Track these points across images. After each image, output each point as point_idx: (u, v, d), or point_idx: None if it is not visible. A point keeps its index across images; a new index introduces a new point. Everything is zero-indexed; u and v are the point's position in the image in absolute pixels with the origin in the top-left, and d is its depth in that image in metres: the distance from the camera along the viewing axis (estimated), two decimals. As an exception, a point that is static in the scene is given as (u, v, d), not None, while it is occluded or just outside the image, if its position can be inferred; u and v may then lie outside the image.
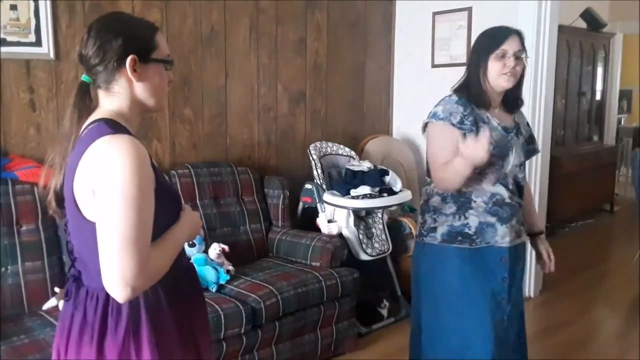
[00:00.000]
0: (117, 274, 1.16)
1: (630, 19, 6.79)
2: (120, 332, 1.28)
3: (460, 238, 2.08)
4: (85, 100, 1.37)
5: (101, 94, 1.37)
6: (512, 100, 2.13)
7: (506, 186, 2.08)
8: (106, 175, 1.19)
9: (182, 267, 1.43)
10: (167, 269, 1.29)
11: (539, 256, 2.33)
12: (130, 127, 1.35)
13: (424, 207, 2.19)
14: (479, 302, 2.07)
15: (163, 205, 1.28)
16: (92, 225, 1.23)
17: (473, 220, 2.07)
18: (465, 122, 2.01)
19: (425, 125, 2.12)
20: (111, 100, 1.36)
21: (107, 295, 1.25)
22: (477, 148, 1.84)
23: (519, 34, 2.05)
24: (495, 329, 2.07)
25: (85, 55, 1.34)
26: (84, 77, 1.37)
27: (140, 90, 1.36)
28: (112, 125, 1.28)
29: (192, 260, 2.85)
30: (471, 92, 2.06)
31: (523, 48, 2.04)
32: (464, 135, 1.98)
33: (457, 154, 1.95)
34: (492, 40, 2.04)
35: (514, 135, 2.12)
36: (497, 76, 2.01)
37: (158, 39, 1.38)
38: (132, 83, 1.34)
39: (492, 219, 2.06)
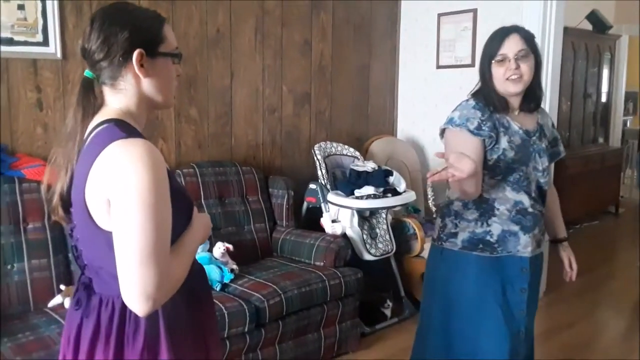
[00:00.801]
0: (138, 288, 1.10)
1: (636, 21, 6.77)
2: (138, 341, 1.23)
3: (481, 246, 2.00)
4: (90, 97, 1.27)
5: (106, 90, 1.28)
6: (530, 100, 2.02)
7: (529, 193, 2.00)
8: (122, 183, 1.12)
9: (195, 270, 1.37)
10: (186, 276, 1.25)
11: (561, 264, 2.25)
12: (138, 126, 1.28)
13: (445, 211, 2.11)
14: (496, 312, 2.00)
15: (177, 211, 1.21)
16: (106, 234, 1.18)
17: (496, 228, 1.99)
18: (484, 128, 1.93)
19: (443, 131, 2.03)
20: (118, 98, 1.27)
21: (123, 304, 1.19)
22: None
23: (518, 31, 1.94)
24: (511, 340, 2.00)
25: (89, 50, 1.25)
26: (87, 73, 1.27)
27: (148, 86, 1.28)
28: (124, 128, 1.21)
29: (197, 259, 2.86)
30: (486, 97, 1.98)
31: (527, 46, 1.93)
32: (483, 141, 1.93)
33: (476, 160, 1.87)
34: (490, 45, 1.97)
35: (536, 139, 2.03)
36: (502, 82, 1.94)
37: (166, 31, 1.30)
38: (140, 79, 1.26)
39: (516, 228, 1.99)
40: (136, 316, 1.22)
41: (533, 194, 2.01)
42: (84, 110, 1.27)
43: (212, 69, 3.61)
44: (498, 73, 1.94)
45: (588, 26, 6.23)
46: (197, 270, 1.42)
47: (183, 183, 3.25)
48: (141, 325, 1.24)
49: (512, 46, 1.92)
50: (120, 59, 1.24)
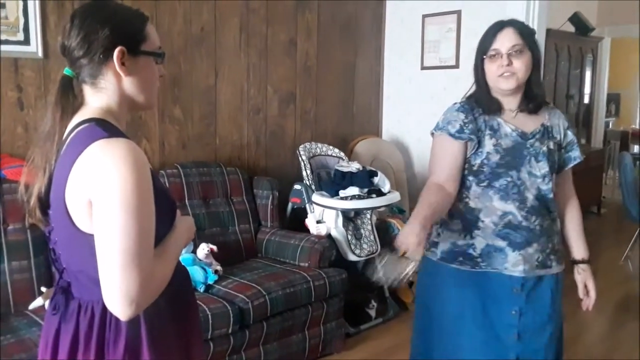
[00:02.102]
0: (120, 291, 1.08)
1: (618, 23, 6.85)
2: (120, 347, 1.20)
3: (461, 258, 1.88)
4: (69, 96, 1.25)
5: (87, 89, 1.25)
6: (529, 100, 1.88)
7: (522, 203, 1.84)
8: (105, 184, 1.09)
9: (178, 273, 1.33)
10: (169, 279, 1.22)
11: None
12: (119, 126, 1.25)
13: None
14: (471, 330, 1.87)
15: (161, 212, 1.19)
16: (86, 237, 1.15)
17: (479, 242, 1.86)
18: (465, 131, 1.84)
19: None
20: (98, 97, 1.25)
21: (103, 308, 1.17)
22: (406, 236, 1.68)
23: (514, 25, 1.84)
24: None
25: (68, 47, 1.22)
26: (67, 71, 1.25)
27: (129, 85, 1.25)
28: (105, 127, 1.18)
29: (181, 261, 2.84)
30: (477, 98, 1.90)
31: (523, 41, 1.81)
32: (465, 144, 1.86)
33: (452, 165, 1.85)
34: (483, 40, 1.87)
35: (535, 141, 1.87)
36: (495, 79, 1.84)
37: (148, 30, 1.28)
38: (121, 77, 1.23)
39: (502, 244, 1.84)
40: (117, 321, 1.19)
41: (528, 204, 1.85)
42: (62, 109, 1.24)
43: (197, 68, 3.59)
44: (490, 70, 1.84)
45: (571, 28, 6.28)
46: (180, 273, 1.40)
47: (167, 184, 3.23)
48: (122, 330, 1.21)
49: (504, 41, 1.81)
50: (101, 56, 1.21)
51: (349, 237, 3.59)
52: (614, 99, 9.13)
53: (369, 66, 4.66)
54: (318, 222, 3.57)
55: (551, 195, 1.90)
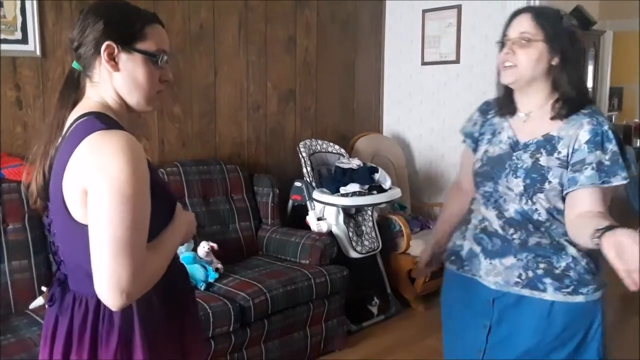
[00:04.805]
0: (111, 280, 1.08)
1: (621, 16, 6.81)
2: (112, 342, 1.21)
3: (453, 257, 1.80)
4: (71, 88, 1.28)
5: (87, 83, 1.28)
6: (563, 104, 1.58)
7: (500, 212, 1.65)
8: (99, 174, 1.10)
9: (175, 268, 1.34)
10: (163, 273, 1.22)
11: None
12: (121, 122, 1.25)
13: None
14: (459, 341, 1.80)
15: (158, 205, 1.19)
16: (81, 228, 1.15)
17: (466, 244, 1.75)
18: (471, 132, 1.78)
19: None
20: (95, 91, 1.27)
21: (97, 302, 1.19)
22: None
23: (531, 11, 1.59)
24: None
25: (72, 39, 1.26)
26: (74, 64, 1.28)
27: (120, 82, 1.25)
28: (103, 120, 1.19)
29: (181, 259, 2.83)
30: (497, 95, 1.71)
31: (538, 29, 1.55)
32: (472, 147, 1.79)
33: (466, 164, 1.80)
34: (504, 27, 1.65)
35: (523, 154, 1.62)
36: (500, 70, 1.62)
37: (149, 30, 1.27)
38: (111, 73, 1.24)
39: (477, 249, 1.70)
40: (110, 316, 1.21)
41: (507, 215, 1.64)
42: (63, 99, 1.28)
43: (196, 66, 3.58)
44: (498, 59, 1.62)
45: (572, 22, 6.24)
46: (177, 270, 1.40)
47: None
48: (115, 324, 1.22)
49: (515, 27, 1.59)
50: (92, 49, 1.23)
51: (350, 234, 3.58)
52: (616, 93, 9.08)
53: (369, 62, 4.64)
54: (319, 219, 3.56)
55: (541, 218, 1.61)
